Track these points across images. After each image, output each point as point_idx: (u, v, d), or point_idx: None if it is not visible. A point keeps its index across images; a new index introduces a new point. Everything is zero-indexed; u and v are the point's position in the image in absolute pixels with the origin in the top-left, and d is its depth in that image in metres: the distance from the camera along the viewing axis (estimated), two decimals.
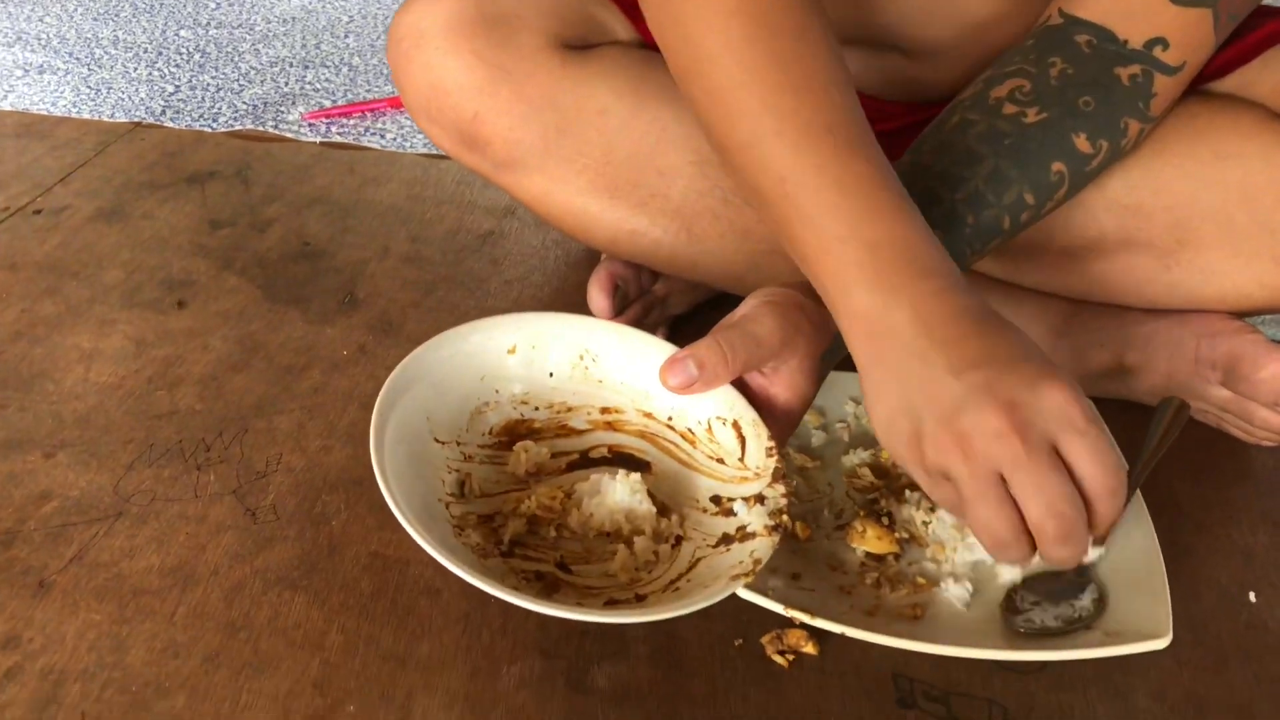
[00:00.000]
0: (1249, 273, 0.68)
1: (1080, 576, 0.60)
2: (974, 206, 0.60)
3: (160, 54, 1.36)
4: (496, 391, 0.65)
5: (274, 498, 0.68)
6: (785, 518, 0.57)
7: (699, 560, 0.58)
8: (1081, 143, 0.61)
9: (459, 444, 0.63)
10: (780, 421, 0.60)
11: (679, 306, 0.85)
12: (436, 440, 0.62)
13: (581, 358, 0.66)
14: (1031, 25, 0.68)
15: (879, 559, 0.63)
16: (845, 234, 0.51)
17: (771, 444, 0.58)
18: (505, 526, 0.60)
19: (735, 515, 0.59)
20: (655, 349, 0.64)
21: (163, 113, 1.20)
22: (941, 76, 0.76)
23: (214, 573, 0.62)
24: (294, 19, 1.50)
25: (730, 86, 0.54)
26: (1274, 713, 0.56)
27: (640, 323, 0.81)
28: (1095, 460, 0.47)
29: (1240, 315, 0.72)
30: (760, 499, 0.58)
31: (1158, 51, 0.61)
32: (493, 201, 1.05)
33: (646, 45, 0.79)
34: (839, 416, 0.74)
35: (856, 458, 0.70)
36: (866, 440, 0.72)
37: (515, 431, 0.65)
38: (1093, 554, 0.57)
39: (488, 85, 0.72)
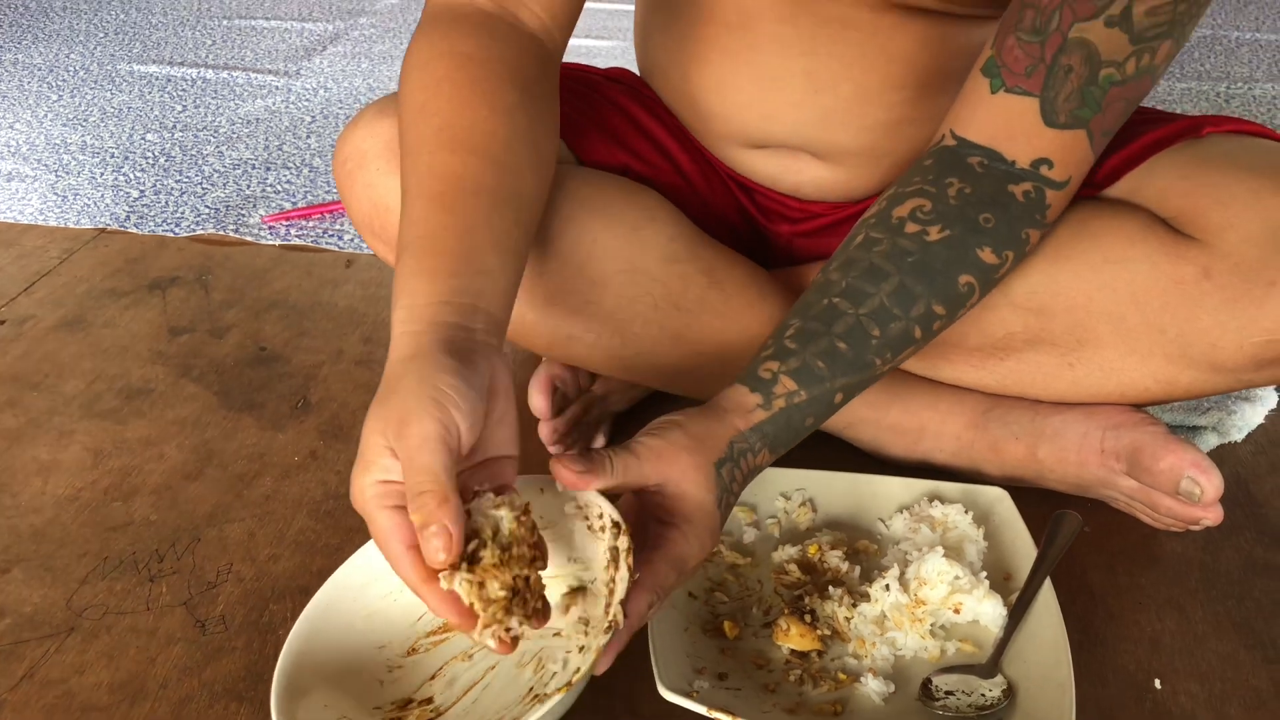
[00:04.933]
0: (1145, 369, 0.72)
1: (990, 669, 0.63)
2: (879, 320, 0.64)
3: (127, 159, 1.41)
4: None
5: (223, 608, 0.70)
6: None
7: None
8: (987, 255, 0.66)
9: None
10: (693, 525, 0.59)
11: (618, 404, 0.88)
12: None
13: None
14: (933, 129, 0.73)
15: (803, 656, 0.66)
16: (400, 271, 0.58)
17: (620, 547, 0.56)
18: None
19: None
20: None
21: (127, 218, 1.24)
22: (855, 177, 0.81)
23: (162, 686, 0.65)
24: (257, 120, 1.55)
25: (409, 133, 0.64)
26: None
27: (581, 421, 0.85)
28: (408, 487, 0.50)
29: (1141, 407, 0.76)
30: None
31: (1044, 170, 0.66)
32: None
33: (581, 162, 0.83)
34: (770, 513, 0.77)
35: (785, 553, 0.73)
36: (795, 536, 0.75)
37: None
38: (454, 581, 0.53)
39: None
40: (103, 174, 1.36)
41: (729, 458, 0.61)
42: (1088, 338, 0.72)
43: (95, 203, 1.28)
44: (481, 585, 0.50)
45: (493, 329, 0.57)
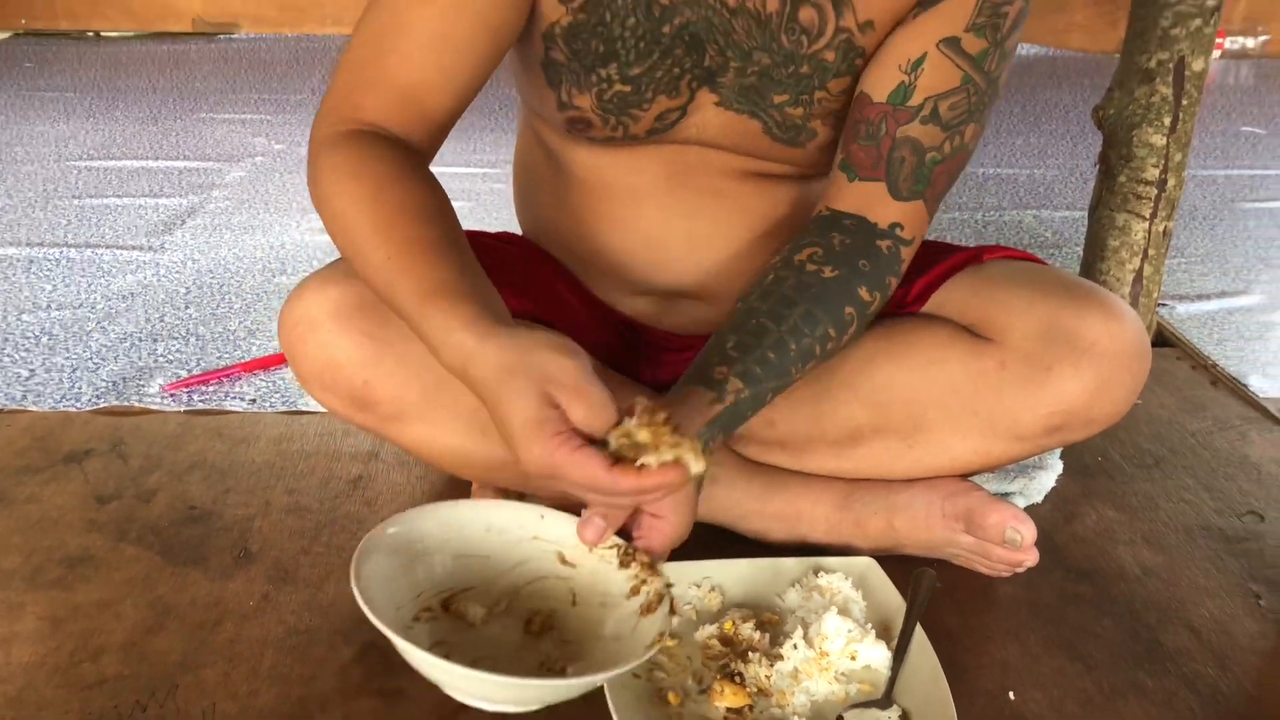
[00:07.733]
0: (967, 445, 0.91)
1: (886, 701, 0.79)
2: (795, 336, 0.81)
3: (7, 340, 1.44)
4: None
5: None
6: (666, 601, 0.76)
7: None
8: (864, 293, 0.84)
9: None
10: (679, 511, 0.77)
11: None
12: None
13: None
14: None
15: (737, 711, 0.79)
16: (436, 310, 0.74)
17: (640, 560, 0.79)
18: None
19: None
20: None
21: (23, 398, 1.28)
22: (720, 308, 0.98)
23: None
24: (133, 294, 1.61)
25: (351, 240, 0.80)
26: None
27: None
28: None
29: (968, 476, 0.96)
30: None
31: (898, 231, 0.86)
32: (355, 448, 1.18)
33: None
34: (686, 601, 0.91)
35: (706, 632, 0.86)
36: (711, 616, 0.89)
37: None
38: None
39: (374, 357, 0.88)
40: None
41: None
42: (921, 423, 0.91)
43: None
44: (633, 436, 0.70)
45: None
